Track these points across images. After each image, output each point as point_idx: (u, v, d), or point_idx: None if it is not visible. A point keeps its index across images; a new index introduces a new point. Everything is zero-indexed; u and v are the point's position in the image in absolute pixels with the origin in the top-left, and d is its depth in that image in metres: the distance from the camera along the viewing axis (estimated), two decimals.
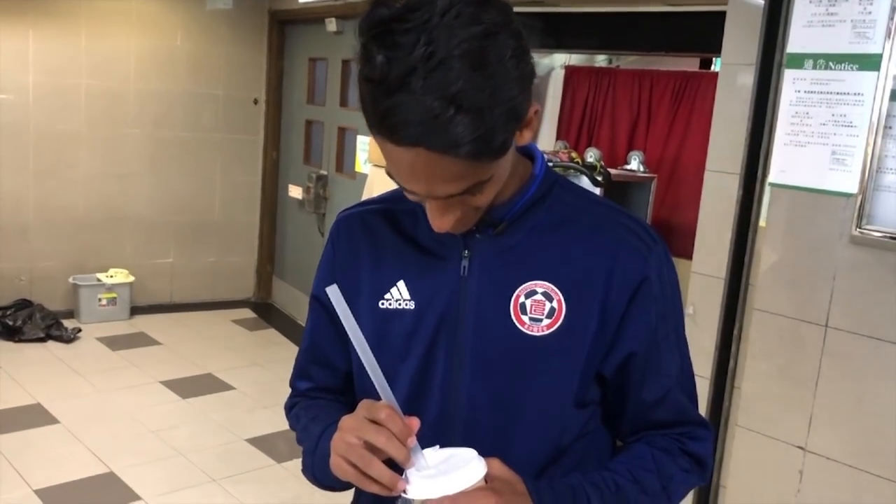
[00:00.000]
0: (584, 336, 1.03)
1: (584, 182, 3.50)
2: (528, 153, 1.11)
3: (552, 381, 1.04)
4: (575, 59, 4.78)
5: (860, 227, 1.99)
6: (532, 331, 1.03)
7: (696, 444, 1.12)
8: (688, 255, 2.61)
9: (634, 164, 3.85)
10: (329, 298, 1.06)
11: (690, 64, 4.52)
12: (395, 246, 1.11)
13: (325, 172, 5.55)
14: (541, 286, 1.04)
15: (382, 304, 1.09)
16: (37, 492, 3.24)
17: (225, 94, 5.88)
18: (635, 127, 4.38)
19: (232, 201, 6.08)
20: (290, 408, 1.24)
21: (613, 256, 1.04)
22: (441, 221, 0.96)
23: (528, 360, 1.03)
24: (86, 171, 5.44)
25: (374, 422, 0.92)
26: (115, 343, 5.09)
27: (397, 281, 1.09)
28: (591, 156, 3.77)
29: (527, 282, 1.04)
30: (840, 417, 2.09)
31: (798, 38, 2.09)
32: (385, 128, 0.87)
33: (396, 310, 1.08)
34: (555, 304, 1.03)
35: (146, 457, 3.64)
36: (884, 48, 1.91)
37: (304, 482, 1.17)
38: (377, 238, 1.13)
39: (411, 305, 1.07)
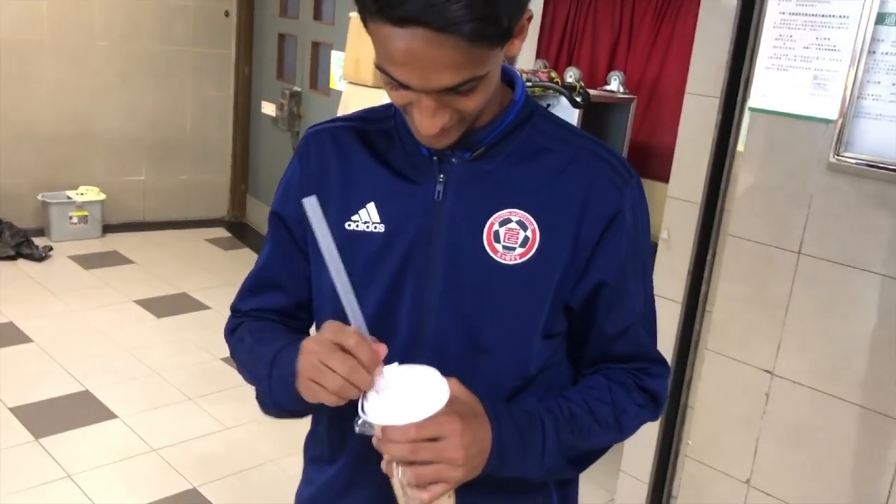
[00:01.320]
0: (556, 267, 1.03)
1: (563, 102, 3.45)
2: (509, 79, 1.08)
3: (521, 311, 1.04)
4: None
5: (837, 154, 1.98)
6: (505, 259, 1.02)
7: (653, 380, 1.13)
8: (666, 178, 2.59)
9: (615, 84, 3.78)
10: (293, 217, 1.03)
11: None
12: (366, 166, 1.07)
13: (298, 89, 5.43)
14: (516, 214, 1.02)
15: (349, 225, 1.06)
16: (12, 410, 3.25)
17: (195, 4, 5.68)
18: (616, 46, 4.30)
19: (204, 118, 5.95)
20: (231, 330, 1.20)
21: (589, 188, 1.03)
22: (431, 122, 0.92)
23: (499, 289, 1.02)
24: (51, 84, 5.27)
25: (341, 347, 0.90)
26: (87, 261, 5.05)
27: (367, 203, 1.06)
28: (571, 76, 3.70)
29: (502, 209, 1.02)
30: (808, 343, 2.12)
31: None
32: (382, 5, 0.83)
33: (364, 232, 1.05)
34: (529, 233, 1.02)
35: (122, 375, 3.65)
36: None
37: None
38: (348, 156, 1.09)
39: (381, 228, 1.05)
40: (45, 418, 3.22)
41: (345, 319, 0.91)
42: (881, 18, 1.87)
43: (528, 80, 3.45)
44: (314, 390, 0.92)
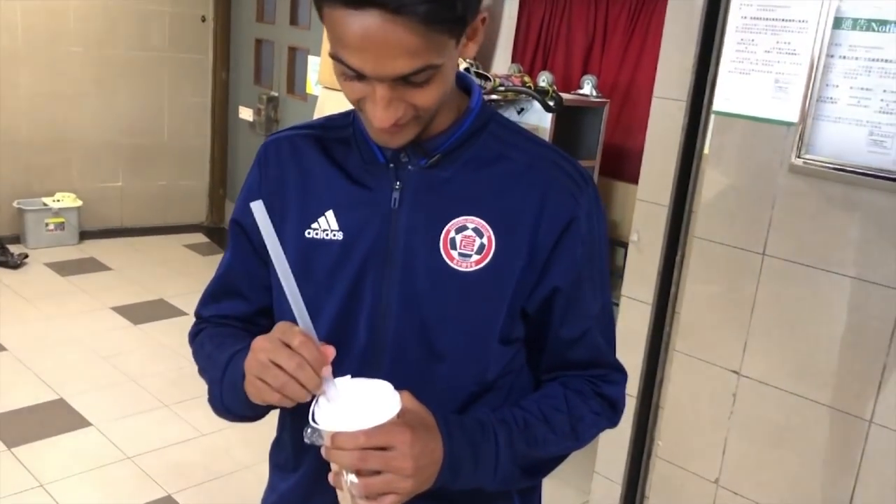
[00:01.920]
0: (512, 273, 1.03)
1: (537, 107, 3.47)
2: (465, 86, 1.09)
3: (478, 318, 1.05)
4: None
5: (800, 157, 2.00)
6: (461, 266, 1.02)
7: (610, 387, 1.14)
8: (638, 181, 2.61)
9: (587, 88, 3.80)
10: (253, 224, 1.04)
11: None
12: (325, 174, 1.08)
13: (275, 94, 5.42)
14: (472, 221, 1.03)
15: (309, 233, 1.06)
16: None
17: (172, 10, 5.66)
18: (590, 50, 4.31)
19: (182, 123, 5.93)
20: (193, 335, 1.20)
21: (544, 195, 1.04)
22: (385, 114, 0.91)
23: (455, 296, 1.03)
24: (27, 90, 5.24)
25: (288, 346, 0.90)
26: (63, 268, 5.02)
27: (326, 210, 1.06)
28: (544, 80, 3.72)
29: (458, 216, 1.03)
30: (774, 343, 2.14)
31: None
32: None
33: (323, 240, 1.05)
34: (485, 240, 1.02)
35: (97, 383, 3.64)
36: None
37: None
38: (307, 164, 1.09)
39: (339, 236, 1.05)
40: (18, 427, 3.20)
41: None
42: (838, 23, 1.90)
43: (502, 85, 3.47)
44: (258, 387, 0.92)
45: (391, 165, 1.04)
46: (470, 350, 1.06)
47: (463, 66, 3.34)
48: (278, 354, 0.90)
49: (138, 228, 5.86)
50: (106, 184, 5.72)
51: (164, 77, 5.75)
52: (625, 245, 2.98)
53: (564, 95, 3.60)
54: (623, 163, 3.89)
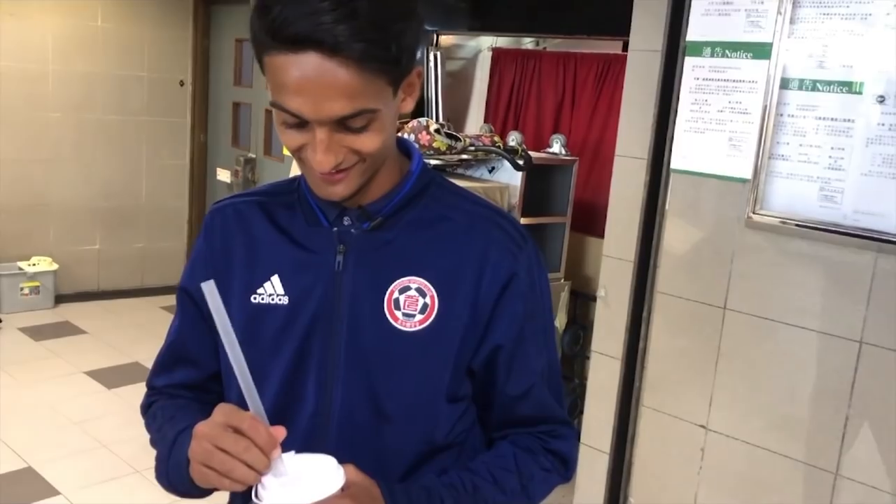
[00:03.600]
0: (456, 331, 1.05)
1: (507, 165, 3.52)
2: (406, 150, 1.12)
3: (424, 377, 1.05)
4: (502, 41, 4.78)
5: (755, 212, 2.05)
6: (405, 326, 1.04)
7: (559, 442, 1.14)
8: None
9: (556, 147, 3.87)
10: (201, 293, 1.04)
11: (615, 47, 4.56)
12: (269, 239, 1.09)
13: (253, 155, 5.48)
14: (415, 282, 1.04)
15: (255, 298, 1.07)
16: None
17: (150, 76, 5.74)
18: (560, 109, 4.41)
19: (160, 185, 5.96)
20: (146, 407, 1.20)
21: (484, 254, 1.06)
22: (324, 157, 0.93)
23: (401, 356, 1.04)
24: (5, 155, 5.25)
25: (236, 430, 0.89)
26: (38, 333, 4.97)
27: (271, 275, 1.07)
28: (514, 139, 3.78)
29: (401, 277, 1.04)
30: (738, 398, 2.16)
31: (697, 27, 2.12)
32: (276, 28, 0.87)
33: (269, 305, 1.06)
34: (428, 299, 1.04)
35: (67, 450, 3.57)
36: (773, 37, 1.96)
37: None
38: (252, 230, 1.11)
39: (285, 301, 1.06)
40: None
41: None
42: (785, 83, 1.96)
43: (472, 145, 3.53)
44: (205, 474, 0.91)
45: (334, 229, 1.06)
46: (417, 410, 1.06)
47: (433, 126, 3.40)
48: (223, 439, 0.89)
49: (115, 291, 5.83)
50: (83, 247, 5.71)
51: (142, 140, 5.80)
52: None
53: (535, 154, 3.67)
54: (594, 219, 3.93)
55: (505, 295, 1.06)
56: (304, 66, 0.87)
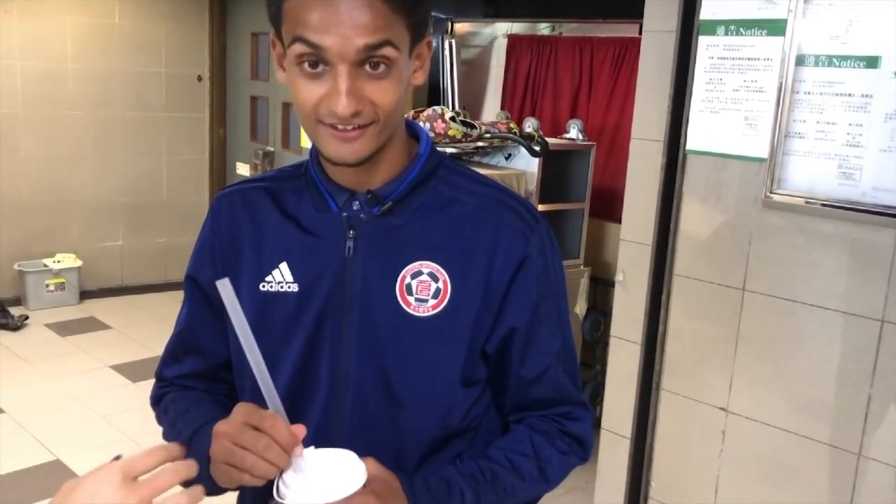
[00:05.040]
0: (469, 315, 1.04)
1: (523, 152, 3.51)
2: (414, 133, 1.11)
3: (438, 361, 1.05)
4: (517, 27, 4.76)
5: (772, 192, 2.02)
6: (418, 311, 1.03)
7: (575, 424, 1.13)
8: None
9: (574, 132, 3.84)
10: (206, 279, 1.04)
11: (631, 30, 4.52)
12: (277, 226, 1.08)
13: (271, 148, 5.50)
14: (427, 266, 1.04)
15: (263, 286, 1.07)
16: None
17: (168, 71, 5.77)
18: (577, 95, 4.38)
19: (180, 181, 6.00)
20: (157, 399, 1.20)
21: (496, 236, 1.05)
22: (347, 99, 0.91)
23: (414, 342, 1.04)
24: (27, 154, 5.32)
25: (256, 428, 0.89)
26: (64, 329, 5.04)
27: (280, 263, 1.07)
28: (530, 126, 3.77)
29: (413, 262, 1.04)
30: (759, 379, 2.14)
31: (710, 5, 2.10)
32: None
33: (279, 293, 1.06)
34: (440, 284, 1.03)
35: (94, 443, 3.62)
36: (788, 13, 1.92)
37: None
38: (259, 217, 1.10)
39: (294, 288, 1.05)
40: (14, 490, 3.19)
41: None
42: (801, 60, 1.93)
43: (488, 132, 3.51)
44: (226, 471, 0.92)
45: (344, 214, 1.05)
46: (431, 395, 1.06)
47: (449, 114, 3.39)
48: (243, 438, 0.89)
49: (138, 286, 5.89)
50: (106, 243, 5.77)
51: (161, 136, 5.85)
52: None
53: (551, 140, 3.64)
54: (612, 204, 3.91)
55: (518, 277, 1.05)
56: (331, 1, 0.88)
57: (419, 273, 1.04)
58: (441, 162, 1.10)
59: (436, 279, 1.03)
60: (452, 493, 1.00)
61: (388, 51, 0.92)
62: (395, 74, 0.94)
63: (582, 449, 1.15)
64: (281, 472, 0.89)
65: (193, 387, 1.18)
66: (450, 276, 1.03)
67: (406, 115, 1.08)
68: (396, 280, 1.03)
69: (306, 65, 0.93)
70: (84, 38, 5.39)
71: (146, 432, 3.71)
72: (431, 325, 1.03)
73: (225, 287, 0.87)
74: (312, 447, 0.91)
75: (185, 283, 1.17)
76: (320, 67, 0.92)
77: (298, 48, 0.91)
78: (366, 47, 0.90)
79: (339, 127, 0.94)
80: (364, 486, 0.90)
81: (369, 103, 0.94)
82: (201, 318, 1.15)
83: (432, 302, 1.03)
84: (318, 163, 1.07)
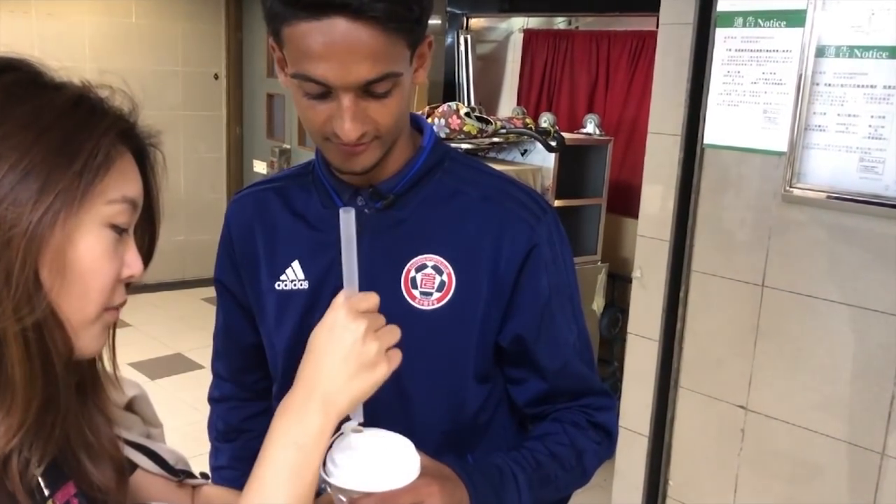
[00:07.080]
0: (476, 307, 1.03)
1: (539, 147, 3.48)
2: (417, 125, 1.11)
3: (446, 355, 1.05)
4: (533, 22, 4.72)
5: (792, 186, 1.99)
6: (423, 305, 1.03)
7: (603, 414, 1.13)
8: None
9: (590, 127, 3.81)
10: (232, 281, 1.13)
11: (649, 24, 4.48)
12: (288, 225, 1.10)
13: (288, 146, 5.51)
14: (431, 260, 1.03)
15: (279, 285, 1.09)
16: None
17: (184, 70, 5.80)
18: (594, 89, 4.34)
19: (198, 179, 6.03)
20: (216, 400, 1.29)
21: (501, 227, 1.04)
22: (351, 125, 0.91)
23: (421, 336, 1.03)
24: None
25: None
26: None
27: (292, 261, 1.09)
28: (546, 121, 3.74)
29: (417, 255, 1.04)
30: (778, 376, 2.10)
31: None
32: None
33: (293, 290, 1.08)
34: (445, 277, 1.03)
35: None
36: (807, 3, 1.89)
37: None
38: (270, 218, 1.12)
39: (305, 285, 1.07)
40: None
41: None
42: (821, 51, 1.89)
43: (503, 128, 3.49)
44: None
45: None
46: (441, 388, 1.06)
47: (464, 110, 3.37)
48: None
49: (157, 284, 5.91)
50: None
51: (179, 134, 5.87)
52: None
53: (568, 135, 3.61)
54: (630, 200, 3.87)
55: (526, 267, 1.04)
56: (329, 31, 0.86)
57: (423, 266, 1.04)
58: (447, 154, 1.10)
59: (440, 272, 1.03)
60: (505, 478, 1.00)
61: (390, 80, 0.91)
62: (397, 93, 0.93)
63: (609, 440, 1.15)
64: (329, 453, 0.83)
65: (252, 408, 1.28)
66: (454, 269, 1.03)
67: (420, 112, 1.07)
68: (401, 274, 1.04)
69: (310, 95, 0.93)
70: (102, 37, 5.42)
71: (166, 429, 3.72)
72: (437, 318, 1.03)
73: (348, 213, 0.83)
74: (356, 423, 0.86)
75: (215, 287, 1.22)
76: (324, 94, 0.92)
77: (302, 84, 0.91)
78: (368, 82, 0.90)
79: (345, 142, 0.95)
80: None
81: (373, 123, 0.94)
82: (234, 315, 1.21)
83: (437, 295, 1.03)
84: (323, 160, 1.08)
